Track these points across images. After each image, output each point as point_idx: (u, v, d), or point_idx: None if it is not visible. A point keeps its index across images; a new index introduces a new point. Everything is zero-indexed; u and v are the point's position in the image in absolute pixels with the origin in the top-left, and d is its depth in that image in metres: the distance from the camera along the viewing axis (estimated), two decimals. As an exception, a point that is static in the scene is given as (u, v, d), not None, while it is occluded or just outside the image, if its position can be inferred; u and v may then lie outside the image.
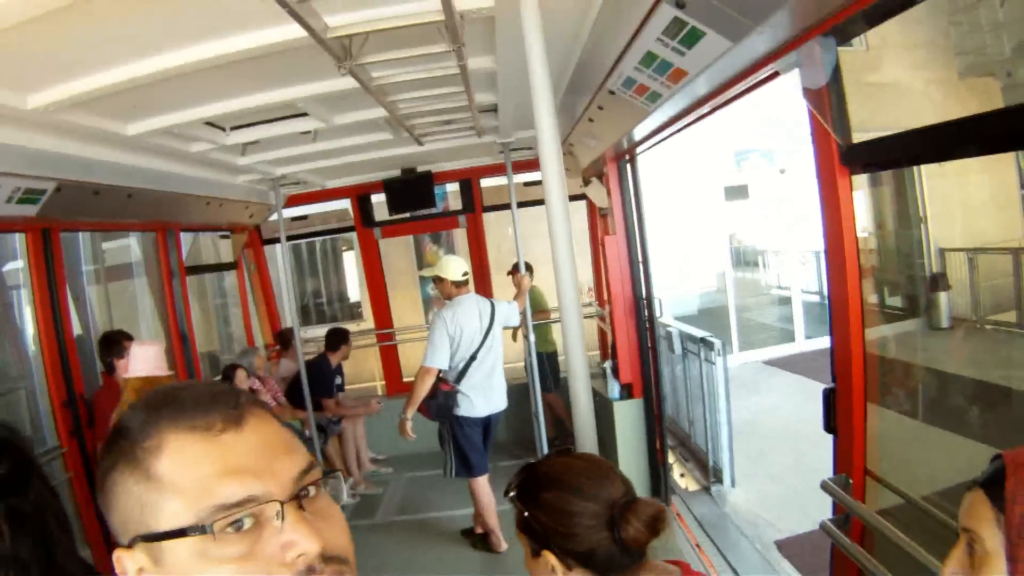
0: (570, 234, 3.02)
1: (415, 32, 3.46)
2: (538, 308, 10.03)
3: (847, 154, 3.23)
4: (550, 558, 1.93)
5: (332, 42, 3.29)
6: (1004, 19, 7.69)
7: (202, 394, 1.12)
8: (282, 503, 1.06)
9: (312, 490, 1.13)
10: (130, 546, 1.08)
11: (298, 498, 1.09)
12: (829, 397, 3.65)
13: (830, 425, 3.67)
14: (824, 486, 3.60)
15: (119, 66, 3.52)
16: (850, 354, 3.44)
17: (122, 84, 3.60)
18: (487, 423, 6.99)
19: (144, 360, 4.99)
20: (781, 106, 14.31)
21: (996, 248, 9.87)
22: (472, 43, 3.76)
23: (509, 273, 8.27)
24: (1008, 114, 2.52)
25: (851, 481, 3.53)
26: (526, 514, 1.98)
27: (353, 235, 14.43)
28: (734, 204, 20.43)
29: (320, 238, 16.52)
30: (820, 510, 3.84)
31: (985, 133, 2.55)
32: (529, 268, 9.99)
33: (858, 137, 3.35)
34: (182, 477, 1.05)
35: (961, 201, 10.23)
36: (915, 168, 9.76)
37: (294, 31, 3.16)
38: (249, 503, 1.05)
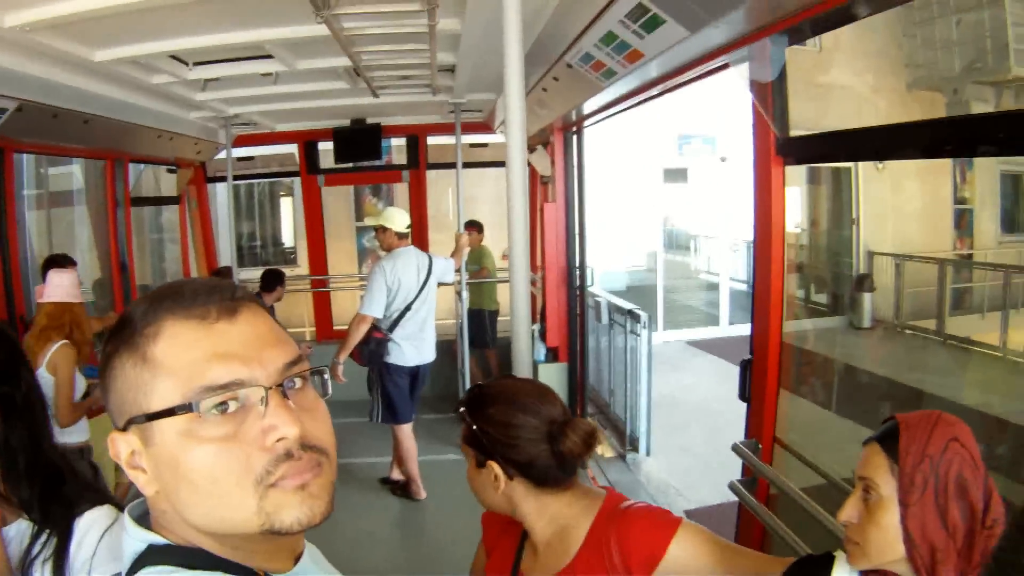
0: (526, 198, 3.10)
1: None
2: (483, 267, 10.26)
3: (783, 146, 3.48)
4: (494, 467, 2.08)
5: (314, -9, 3.43)
6: (957, 38, 7.94)
7: (201, 286, 1.19)
8: (267, 389, 1.12)
9: (298, 382, 1.19)
10: (124, 429, 1.14)
11: (283, 387, 1.15)
12: (746, 368, 3.91)
13: (744, 394, 3.92)
14: (735, 448, 3.86)
15: None
16: (768, 328, 3.70)
17: (99, 10, 3.66)
18: (415, 373, 7.17)
19: (59, 287, 5.10)
20: (728, 96, 14.57)
21: (923, 256, 10.20)
22: (443, 3, 3.88)
23: (466, 228, 8.44)
24: (926, 126, 2.81)
25: (760, 446, 3.78)
26: (474, 427, 2.11)
27: (292, 182, 14.37)
28: (672, 187, 20.65)
29: (259, 182, 16.43)
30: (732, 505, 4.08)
31: (906, 141, 2.82)
32: (479, 227, 10.16)
33: (797, 134, 3.60)
34: (175, 360, 1.11)
35: (895, 207, 10.55)
36: (852, 171, 10.08)
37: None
38: (235, 386, 1.10)
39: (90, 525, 1.86)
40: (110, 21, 3.87)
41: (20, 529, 1.86)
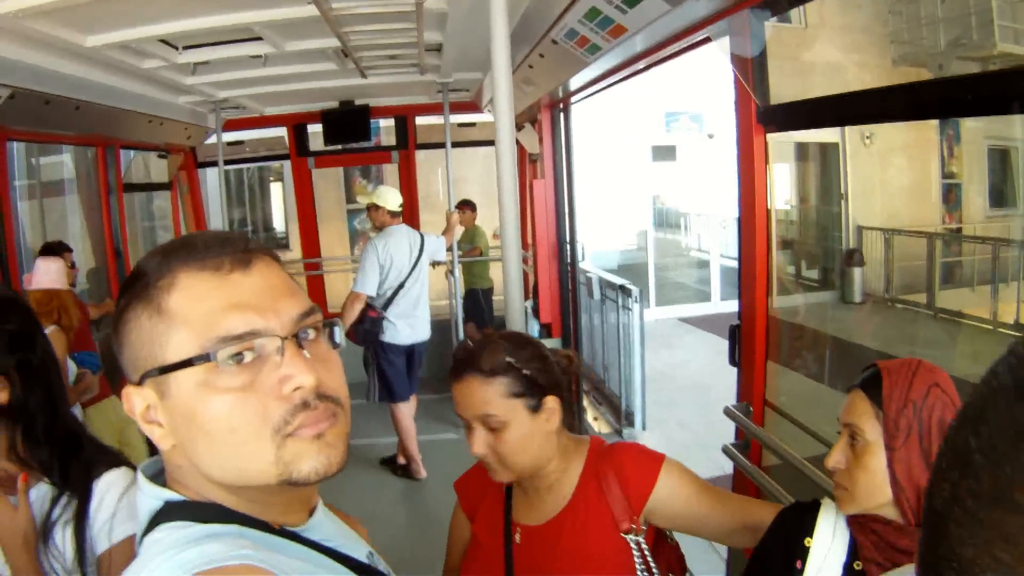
0: (515, 176, 3.14)
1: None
2: (476, 246, 10.35)
3: (764, 114, 3.56)
4: (554, 402, 2.19)
5: (303, -28, 3.48)
6: (943, 14, 7.99)
7: (214, 238, 1.19)
8: (283, 339, 1.13)
9: (312, 333, 1.20)
10: (140, 383, 1.15)
11: (298, 338, 1.16)
12: (735, 333, 3.99)
13: (735, 359, 4.01)
14: (727, 412, 3.94)
15: None
16: (754, 292, 3.78)
17: None
18: (411, 351, 7.27)
19: (46, 273, 5.18)
20: (713, 73, 14.62)
21: (912, 230, 10.27)
22: (429, -18, 3.94)
23: (457, 207, 8.56)
24: (903, 89, 2.88)
25: (751, 409, 3.87)
26: (525, 371, 2.16)
27: (281, 167, 14.35)
28: (661, 165, 20.69)
29: (248, 166, 16.43)
30: (724, 459, 4.11)
31: (885, 104, 2.91)
32: (472, 206, 10.24)
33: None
34: (190, 311, 1.12)
35: (883, 183, 10.62)
36: (840, 147, 10.14)
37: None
38: (251, 336, 1.11)
39: (108, 487, 1.94)
40: (102, 6, 3.90)
41: (40, 493, 1.93)
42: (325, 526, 1.30)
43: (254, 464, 1.12)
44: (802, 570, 1.91)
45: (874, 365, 1.84)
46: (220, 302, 1.12)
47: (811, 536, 1.94)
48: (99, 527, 1.90)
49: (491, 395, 2.14)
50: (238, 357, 1.11)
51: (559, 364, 2.27)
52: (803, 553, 1.92)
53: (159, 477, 1.22)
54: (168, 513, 1.14)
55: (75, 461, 1.96)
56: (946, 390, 1.75)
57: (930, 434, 1.72)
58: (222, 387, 1.10)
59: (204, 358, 1.09)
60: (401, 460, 7.46)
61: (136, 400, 1.15)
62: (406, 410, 7.24)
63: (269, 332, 1.13)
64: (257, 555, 1.05)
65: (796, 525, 1.98)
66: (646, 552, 2.25)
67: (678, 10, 3.37)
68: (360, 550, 1.34)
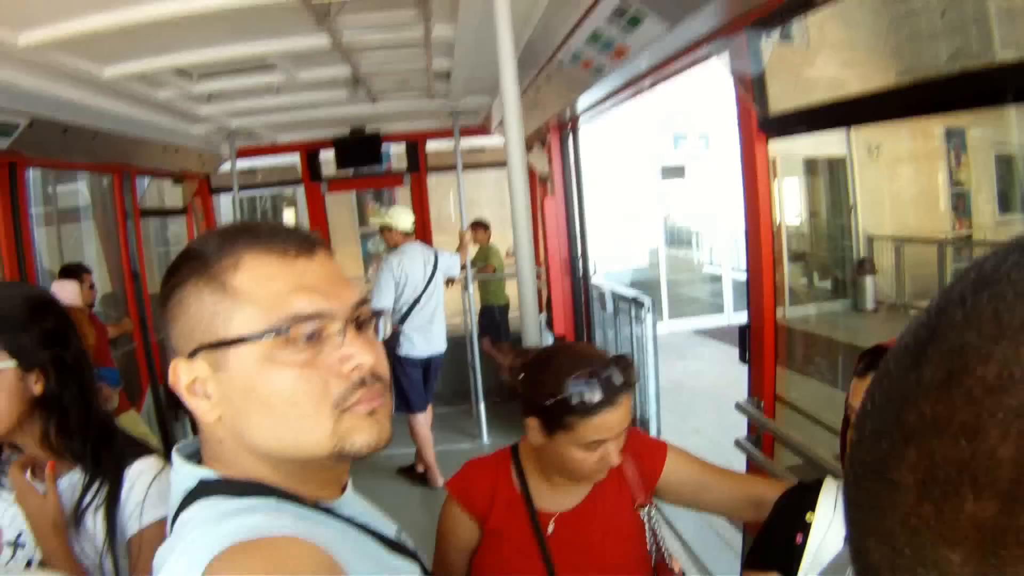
0: (527, 195, 3.19)
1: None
2: (489, 264, 10.46)
3: (764, 122, 3.67)
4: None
5: (317, 5, 3.58)
6: (943, 27, 8.04)
7: (276, 226, 1.26)
8: (344, 321, 1.20)
9: (364, 320, 1.27)
10: (191, 356, 1.19)
11: (356, 321, 1.24)
12: (744, 331, 4.08)
13: (744, 356, 4.09)
14: (739, 407, 4.04)
15: (108, 11, 3.69)
16: (762, 290, 3.87)
17: (110, 27, 3.76)
18: (427, 364, 7.46)
19: (60, 292, 5.27)
20: (717, 95, 14.65)
21: (922, 239, 10.29)
22: (437, 11, 4.03)
23: (471, 227, 8.74)
24: (899, 91, 3.00)
25: (762, 403, 3.96)
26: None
27: (294, 193, 14.42)
28: (670, 183, 20.74)
29: (261, 192, 16.51)
30: (739, 463, 4.18)
31: (882, 105, 3.02)
32: (487, 226, 10.36)
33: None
34: (259, 289, 1.17)
35: (891, 193, 10.64)
36: (847, 161, 10.16)
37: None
38: (318, 317, 1.17)
39: (139, 473, 2.03)
40: (119, 38, 3.98)
41: (72, 480, 2.02)
42: (356, 503, 1.36)
43: (312, 436, 1.18)
44: (803, 544, 1.96)
45: (878, 345, 1.88)
46: (288, 284, 1.18)
47: (812, 511, 1.99)
48: (130, 511, 1.99)
49: (631, 405, 2.20)
50: (306, 336, 1.17)
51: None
52: (804, 527, 1.97)
53: (194, 458, 1.27)
54: (203, 491, 1.19)
55: (106, 450, 2.05)
56: None
57: None
58: (286, 362, 1.16)
59: (275, 331, 1.15)
60: (420, 468, 7.62)
61: (183, 372, 1.20)
62: (423, 420, 7.40)
63: (332, 315, 1.19)
64: (298, 526, 1.09)
65: (798, 502, 2.05)
66: (655, 524, 2.37)
67: (677, 30, 3.45)
68: (389, 527, 1.41)
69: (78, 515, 1.99)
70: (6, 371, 1.92)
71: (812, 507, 2.00)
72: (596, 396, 2.09)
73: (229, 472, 1.21)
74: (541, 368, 2.24)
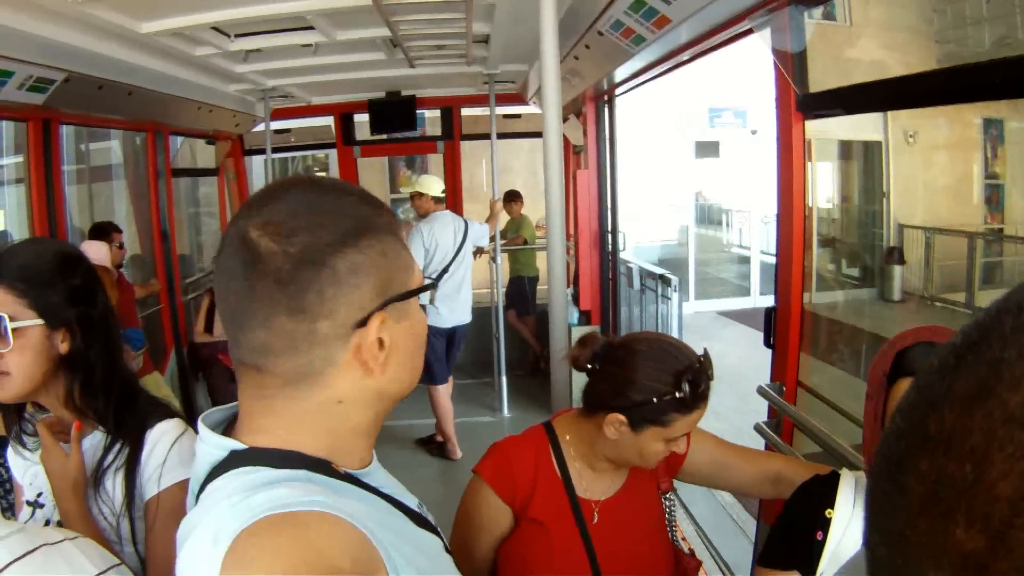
0: (562, 167, 3.20)
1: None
2: (520, 235, 10.44)
3: (803, 101, 3.61)
4: None
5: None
6: (988, 13, 7.92)
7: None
8: None
9: None
10: (382, 309, 1.19)
11: None
12: (770, 315, 4.04)
13: (769, 340, 4.06)
14: (760, 391, 4.03)
15: None
16: (791, 274, 3.83)
17: None
18: (452, 335, 7.44)
19: (89, 252, 5.30)
20: (757, 69, 14.52)
21: (953, 229, 10.20)
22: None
23: (504, 197, 8.75)
24: (929, 76, 2.94)
25: (784, 388, 3.93)
26: None
27: (327, 156, 14.42)
28: (704, 162, 20.66)
29: (293, 155, 16.53)
30: (757, 448, 4.20)
31: (922, 89, 2.95)
32: (519, 197, 10.34)
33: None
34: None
35: (925, 182, 10.55)
36: (883, 145, 10.06)
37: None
38: None
39: (160, 435, 2.01)
40: (158, -8, 3.98)
41: (94, 441, 2.01)
42: (380, 473, 1.34)
43: (420, 369, 1.34)
44: (823, 541, 1.93)
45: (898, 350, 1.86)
46: None
47: (832, 507, 1.96)
48: (149, 474, 1.98)
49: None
50: None
51: None
52: (824, 524, 1.95)
53: (219, 427, 1.26)
54: (233, 461, 1.17)
55: (129, 412, 2.04)
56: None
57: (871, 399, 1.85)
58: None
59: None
60: (439, 438, 7.64)
61: (385, 328, 1.20)
62: (444, 391, 7.40)
63: None
64: (328, 500, 1.07)
65: (816, 497, 2.02)
66: (673, 510, 2.39)
67: (720, 1, 3.41)
68: (412, 500, 1.39)
69: (98, 476, 1.98)
70: (32, 329, 1.91)
71: (831, 503, 1.98)
72: (700, 396, 2.11)
73: (272, 443, 1.18)
74: (630, 364, 2.17)
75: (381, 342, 1.19)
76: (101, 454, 1.99)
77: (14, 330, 1.87)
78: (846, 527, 1.92)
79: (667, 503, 2.39)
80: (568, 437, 2.35)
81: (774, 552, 2.06)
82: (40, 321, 1.91)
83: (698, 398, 2.09)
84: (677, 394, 2.07)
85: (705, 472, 2.41)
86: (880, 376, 1.82)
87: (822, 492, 2.01)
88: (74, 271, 2.02)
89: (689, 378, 2.08)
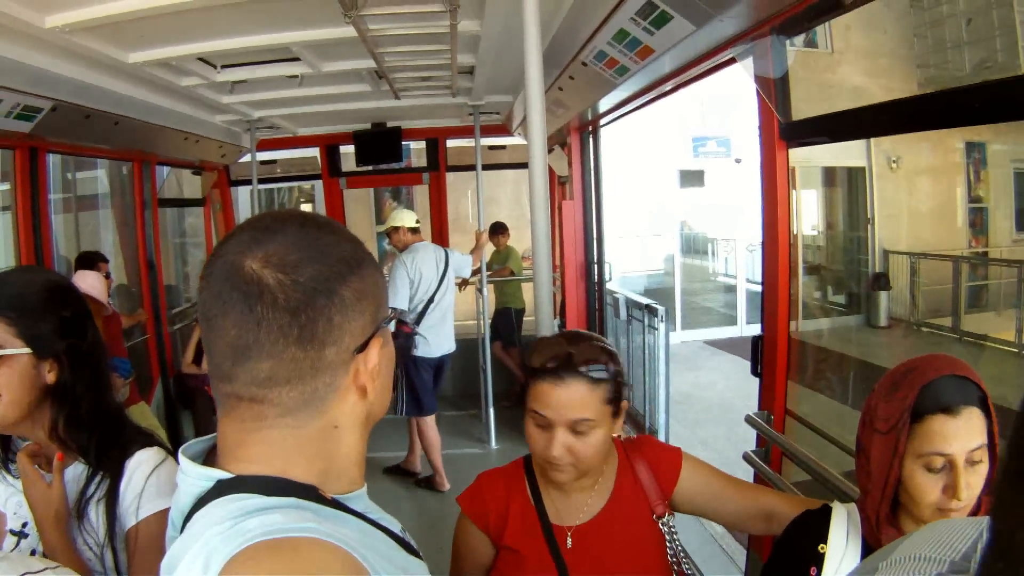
0: (547, 198, 3.19)
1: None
2: (506, 267, 10.48)
3: (786, 130, 3.65)
4: (626, 404, 2.24)
5: (344, -8, 3.58)
6: (967, 37, 8.01)
7: None
8: None
9: None
10: (376, 332, 1.25)
11: None
12: (757, 343, 4.06)
13: (756, 369, 4.08)
14: (748, 419, 4.03)
15: None
16: (776, 302, 3.85)
17: (136, 12, 3.77)
18: (439, 365, 7.45)
19: (82, 283, 5.27)
20: (740, 98, 14.60)
21: (938, 254, 10.26)
22: (464, 4, 4.02)
23: (490, 229, 8.82)
24: (911, 101, 2.98)
25: (772, 417, 3.94)
26: (619, 379, 2.19)
27: (312, 187, 14.45)
28: (689, 191, 20.77)
29: (279, 186, 16.58)
30: (746, 477, 4.21)
31: (904, 115, 3.00)
32: (505, 229, 10.38)
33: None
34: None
35: (910, 207, 10.63)
36: (866, 171, 10.15)
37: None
38: None
39: (138, 464, 2.01)
40: (145, 23, 3.99)
41: (76, 472, 2.01)
42: (365, 498, 1.34)
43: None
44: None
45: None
46: None
47: (825, 542, 1.96)
48: (128, 504, 1.97)
49: (592, 401, 2.13)
50: None
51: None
52: (818, 560, 1.94)
53: (200, 458, 1.25)
54: (220, 491, 1.16)
55: (112, 443, 2.04)
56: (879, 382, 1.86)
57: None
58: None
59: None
60: (418, 468, 7.73)
61: (374, 349, 1.25)
62: (432, 422, 7.40)
63: None
64: (321, 527, 1.07)
65: (809, 533, 2.01)
66: (675, 535, 2.33)
67: (703, 31, 3.46)
68: (395, 524, 1.39)
69: (81, 507, 1.98)
70: (20, 357, 1.90)
71: (824, 538, 1.98)
72: (542, 362, 2.15)
73: (263, 471, 1.19)
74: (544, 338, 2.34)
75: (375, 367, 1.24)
76: (83, 484, 1.99)
77: (1, 357, 1.87)
78: (840, 562, 1.92)
79: (666, 528, 2.34)
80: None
81: None
82: (28, 350, 1.91)
83: (544, 372, 2.13)
84: (535, 357, 2.17)
85: (699, 501, 2.38)
86: (902, 411, 1.79)
87: (814, 527, 2.02)
88: (65, 303, 2.02)
89: (542, 346, 2.20)
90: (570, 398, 2.11)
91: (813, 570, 1.94)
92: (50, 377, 1.95)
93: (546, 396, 2.13)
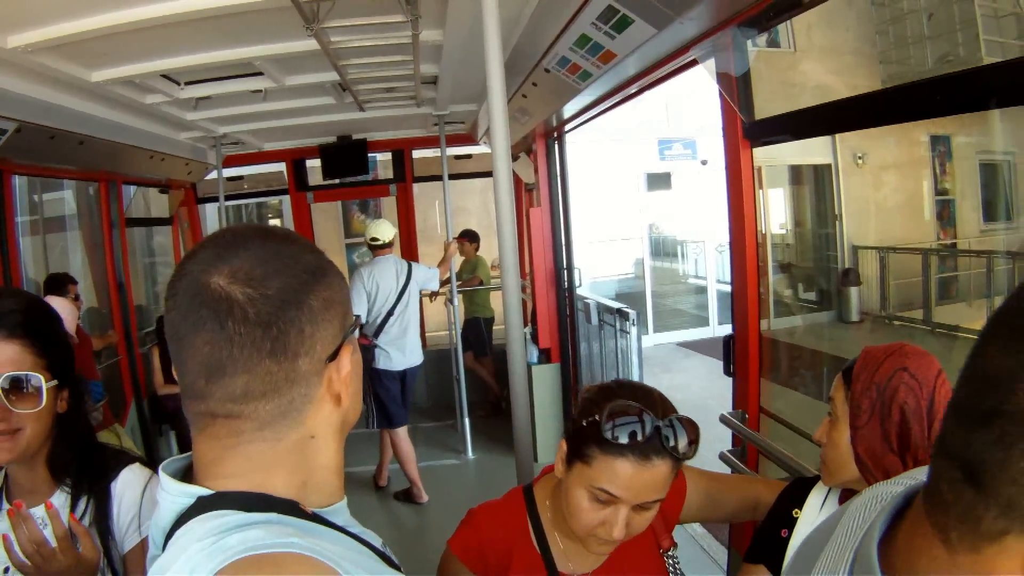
0: (513, 206, 3.16)
1: (376, 1, 3.77)
2: (476, 276, 10.48)
3: (749, 129, 3.69)
4: None
5: (305, 5, 3.58)
6: (929, 32, 8.09)
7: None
8: None
9: None
10: (345, 339, 1.25)
11: None
12: (728, 343, 4.09)
13: (729, 369, 4.10)
14: (723, 419, 4.07)
15: (97, 14, 3.70)
16: (746, 301, 3.88)
17: (98, 30, 3.77)
18: (404, 376, 7.45)
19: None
20: (705, 99, 14.66)
21: (906, 247, 10.33)
22: (425, 14, 4.03)
23: (458, 238, 8.81)
24: (874, 96, 3.03)
25: (747, 415, 3.98)
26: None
27: (280, 203, 14.42)
28: (656, 194, 20.83)
29: (246, 202, 16.49)
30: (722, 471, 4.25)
31: (864, 110, 3.04)
32: (476, 238, 10.38)
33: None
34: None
35: (877, 202, 10.69)
36: (832, 168, 10.21)
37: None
38: None
39: (126, 485, 2.01)
40: (107, 41, 3.98)
41: (60, 500, 1.97)
42: (345, 511, 1.32)
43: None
44: (787, 538, 2.00)
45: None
46: None
47: (800, 508, 2.04)
48: (126, 524, 1.98)
49: (669, 481, 1.92)
50: None
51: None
52: (790, 523, 2.02)
53: (180, 475, 1.23)
54: (201, 508, 1.15)
55: (89, 467, 2.02)
56: (915, 374, 1.78)
57: (890, 417, 1.77)
58: None
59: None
60: (383, 483, 7.81)
61: (345, 359, 1.25)
62: (404, 434, 7.40)
63: None
64: (303, 543, 1.07)
65: (790, 498, 2.09)
66: (678, 568, 2.24)
67: (665, 33, 3.48)
68: (375, 539, 1.37)
69: (74, 534, 1.91)
70: (51, 389, 1.88)
71: (800, 504, 2.04)
72: (626, 436, 1.83)
73: (242, 487, 1.18)
74: (602, 392, 1.98)
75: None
76: (69, 511, 1.96)
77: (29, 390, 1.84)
78: (810, 525, 1.94)
79: (671, 562, 2.22)
80: (548, 502, 2.18)
81: (751, 548, 2.11)
82: (55, 382, 1.89)
83: (630, 448, 1.84)
84: (605, 426, 1.84)
85: (701, 514, 2.35)
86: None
87: (796, 493, 2.09)
88: (60, 323, 2.00)
89: (627, 414, 1.85)
90: (654, 480, 1.87)
91: (784, 532, 2.01)
92: (62, 405, 1.94)
93: (623, 476, 1.85)
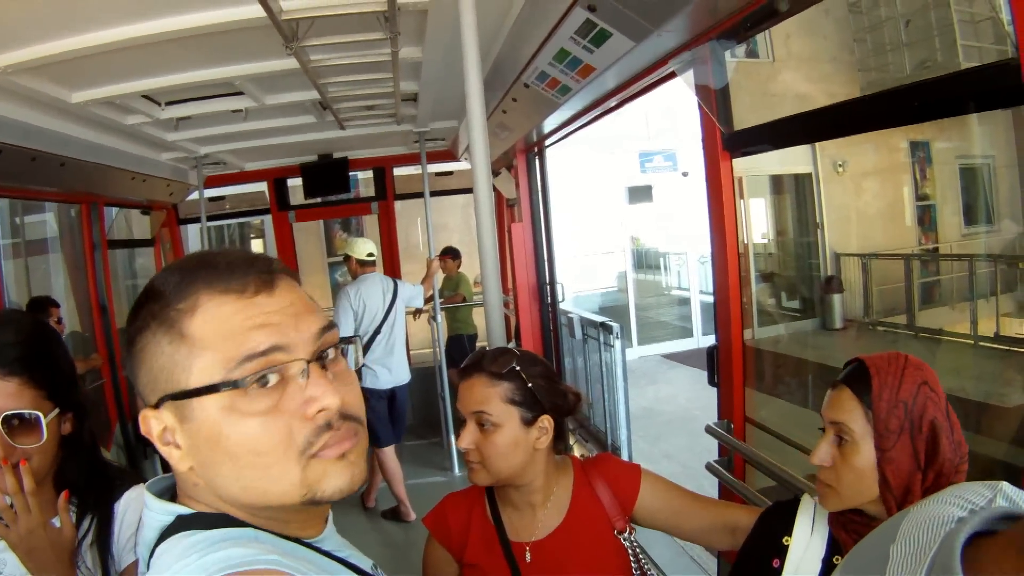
0: (494, 222, 3.17)
1: (356, 19, 3.78)
2: (459, 293, 10.47)
3: (728, 140, 3.71)
4: (547, 421, 2.27)
5: (284, 23, 3.59)
6: (907, 39, 8.14)
7: (237, 258, 1.19)
8: (307, 361, 1.14)
9: (332, 353, 1.21)
10: (157, 406, 1.15)
11: (321, 359, 1.18)
12: (712, 354, 4.10)
13: (713, 379, 4.12)
14: (709, 429, 4.07)
15: (76, 34, 3.70)
16: (729, 312, 3.90)
17: (78, 51, 3.77)
18: (392, 395, 7.47)
19: None
20: (685, 111, 14.69)
21: (888, 253, 10.38)
22: (404, 31, 4.04)
23: (440, 255, 8.79)
24: (852, 104, 3.06)
25: (732, 425, 3.98)
26: (530, 384, 2.25)
27: (262, 223, 14.40)
28: (638, 207, 20.87)
29: (229, 224, 16.48)
30: (711, 486, 4.23)
31: (842, 118, 3.07)
32: (457, 255, 10.39)
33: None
34: (214, 335, 1.11)
35: (858, 209, 10.74)
36: (813, 177, 10.27)
37: (249, 11, 3.46)
38: (274, 350, 1.12)
39: (128, 504, 2.02)
40: (87, 62, 3.98)
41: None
42: (335, 537, 1.34)
43: (279, 486, 1.14)
44: (780, 568, 1.96)
45: (858, 360, 1.84)
46: (244, 324, 1.13)
47: (789, 535, 1.99)
48: (124, 543, 1.99)
49: (491, 396, 2.25)
50: (263, 380, 1.13)
51: (566, 395, 2.36)
52: (781, 551, 1.97)
53: (166, 493, 1.24)
54: (180, 526, 1.16)
55: (94, 485, 2.02)
56: (934, 387, 1.76)
57: (921, 435, 1.72)
58: (248, 411, 1.12)
59: (231, 384, 1.10)
60: (371, 504, 7.76)
61: (152, 423, 1.16)
62: (391, 453, 7.38)
63: (291, 348, 1.14)
64: (283, 560, 1.08)
65: (775, 524, 2.04)
66: (639, 551, 2.38)
67: (643, 46, 3.50)
68: (366, 562, 1.38)
69: (76, 551, 1.95)
70: (53, 419, 1.88)
71: (788, 530, 2.00)
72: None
73: (207, 510, 1.19)
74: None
75: (172, 439, 1.19)
76: (65, 500, 1.95)
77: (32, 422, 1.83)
78: (803, 553, 1.95)
79: (629, 543, 2.38)
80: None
81: (735, 574, 2.09)
82: (57, 411, 1.88)
83: (462, 369, 2.37)
84: None
85: (660, 517, 2.41)
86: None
87: (780, 519, 2.05)
88: (60, 345, 1.99)
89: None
90: (471, 391, 2.29)
91: (776, 562, 1.97)
92: (66, 428, 1.94)
93: (460, 392, 2.34)
